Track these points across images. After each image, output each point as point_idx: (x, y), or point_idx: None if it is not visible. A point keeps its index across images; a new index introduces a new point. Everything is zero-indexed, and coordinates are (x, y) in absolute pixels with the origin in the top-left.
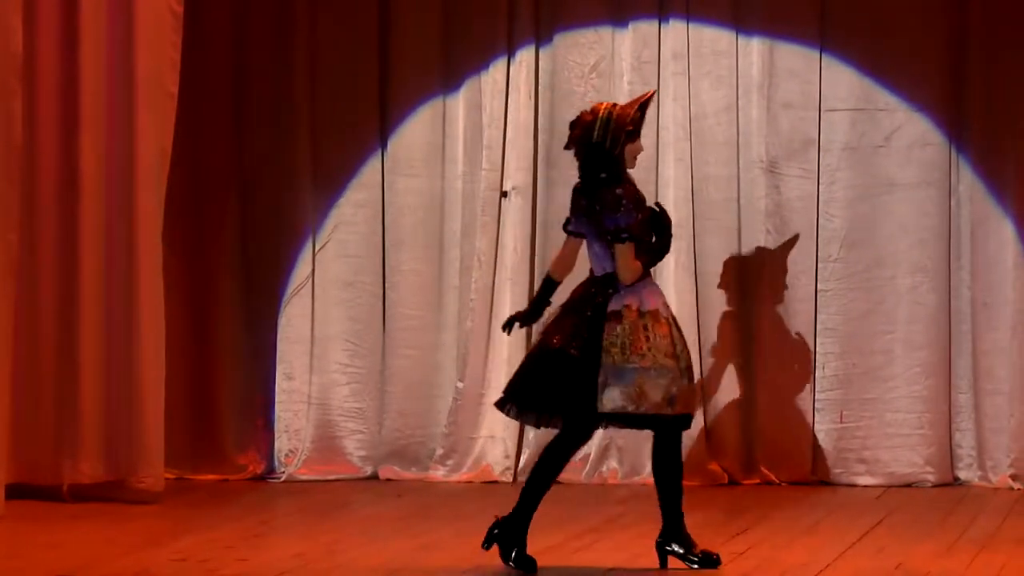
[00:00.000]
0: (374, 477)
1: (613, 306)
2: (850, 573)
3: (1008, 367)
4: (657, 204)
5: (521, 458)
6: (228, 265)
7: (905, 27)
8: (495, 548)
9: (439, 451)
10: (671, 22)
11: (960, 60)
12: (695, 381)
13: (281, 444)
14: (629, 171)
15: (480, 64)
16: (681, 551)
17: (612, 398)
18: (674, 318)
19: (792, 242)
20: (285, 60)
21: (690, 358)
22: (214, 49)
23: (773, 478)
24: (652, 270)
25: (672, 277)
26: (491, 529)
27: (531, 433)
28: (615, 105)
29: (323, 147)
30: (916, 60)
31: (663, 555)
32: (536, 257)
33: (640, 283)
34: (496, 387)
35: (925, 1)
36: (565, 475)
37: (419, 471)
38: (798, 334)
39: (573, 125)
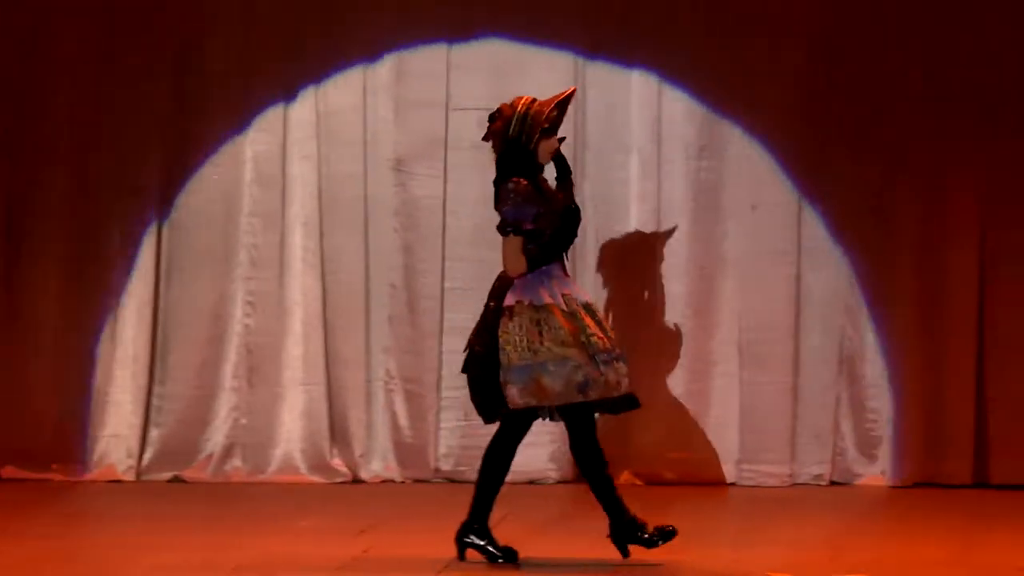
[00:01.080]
0: None
1: (508, 300)
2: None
3: None
4: (573, 202)
5: (144, 457)
6: None
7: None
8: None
9: (64, 450)
10: None
11: (584, 62)
12: (612, 364)
13: None
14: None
15: None
16: (639, 536)
17: (512, 395)
18: (585, 307)
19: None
20: None
21: (608, 344)
22: None
23: (397, 476)
24: (563, 264)
25: (299, 275)
26: (457, 538)
27: (154, 432)
28: (534, 101)
29: None
30: (545, 64)
31: (623, 547)
32: None
33: (534, 277)
34: (121, 385)
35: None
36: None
37: (40, 470)
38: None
39: (493, 117)
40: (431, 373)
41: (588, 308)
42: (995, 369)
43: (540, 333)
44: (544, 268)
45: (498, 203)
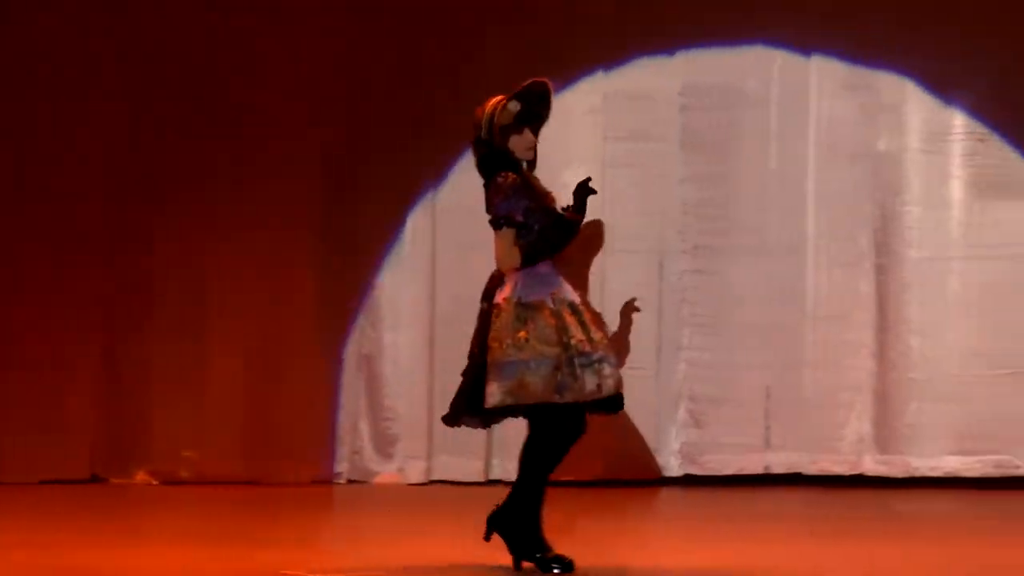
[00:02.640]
0: None
1: (497, 297)
2: None
3: None
4: (568, 207)
5: None
6: None
7: None
8: None
9: None
10: None
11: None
12: (592, 367)
13: None
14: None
15: None
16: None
17: (492, 393)
18: (571, 306)
19: None
20: None
21: (589, 347)
22: None
23: None
24: (552, 264)
25: None
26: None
27: None
28: (503, 99)
29: None
30: None
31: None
32: None
33: (525, 272)
34: None
35: None
36: None
37: None
38: None
39: (473, 123)
40: None
41: (573, 308)
42: None
43: (527, 330)
44: (533, 266)
45: (488, 202)
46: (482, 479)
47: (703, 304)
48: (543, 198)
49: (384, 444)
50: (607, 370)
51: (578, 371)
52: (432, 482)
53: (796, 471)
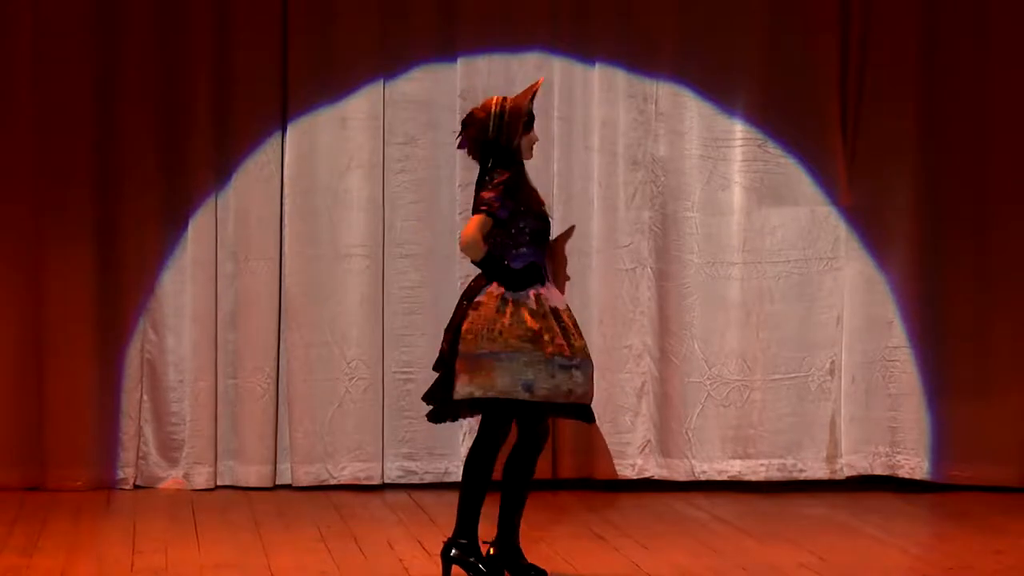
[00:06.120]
0: None
1: (480, 296)
2: None
3: None
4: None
5: None
6: None
7: None
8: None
9: None
10: None
11: None
12: (568, 371)
13: None
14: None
15: None
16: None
17: (462, 384)
18: (554, 312)
19: None
20: None
21: (568, 352)
22: None
23: None
24: (541, 267)
25: None
26: (444, 555)
27: None
28: (505, 99)
29: None
30: None
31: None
32: None
33: (515, 270)
34: None
35: None
36: None
37: None
38: None
39: (466, 124)
40: None
41: (556, 313)
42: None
43: (502, 323)
44: (522, 264)
45: (478, 196)
46: (269, 484)
47: None
48: (532, 201)
49: (169, 449)
50: (579, 378)
51: (556, 371)
52: (218, 487)
53: (584, 476)
